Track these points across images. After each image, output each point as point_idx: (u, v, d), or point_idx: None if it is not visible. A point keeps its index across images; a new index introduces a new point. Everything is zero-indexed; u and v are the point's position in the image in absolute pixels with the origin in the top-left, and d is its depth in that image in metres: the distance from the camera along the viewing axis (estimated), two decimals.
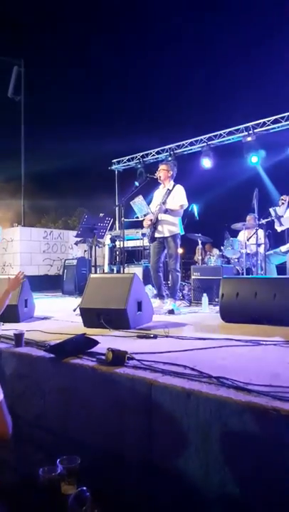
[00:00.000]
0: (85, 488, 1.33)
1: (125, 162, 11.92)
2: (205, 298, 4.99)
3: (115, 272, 7.42)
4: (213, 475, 1.57)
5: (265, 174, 10.43)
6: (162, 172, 5.04)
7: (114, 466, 1.87)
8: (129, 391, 1.88)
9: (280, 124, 8.86)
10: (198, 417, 1.63)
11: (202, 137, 10.08)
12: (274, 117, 8.93)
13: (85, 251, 8.20)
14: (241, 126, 9.41)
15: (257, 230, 5.95)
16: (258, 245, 5.95)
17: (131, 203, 4.93)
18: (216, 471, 1.57)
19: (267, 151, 9.15)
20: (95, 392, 2.06)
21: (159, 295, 5.03)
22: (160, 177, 5.04)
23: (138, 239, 7.75)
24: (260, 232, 5.98)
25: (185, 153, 10.55)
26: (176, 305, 4.92)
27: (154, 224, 4.88)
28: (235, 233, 7.11)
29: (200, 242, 7.03)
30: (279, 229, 5.86)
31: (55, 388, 2.28)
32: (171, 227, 4.86)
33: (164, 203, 4.86)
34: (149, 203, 5.03)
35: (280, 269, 5.99)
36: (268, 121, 9.00)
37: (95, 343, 2.39)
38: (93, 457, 1.90)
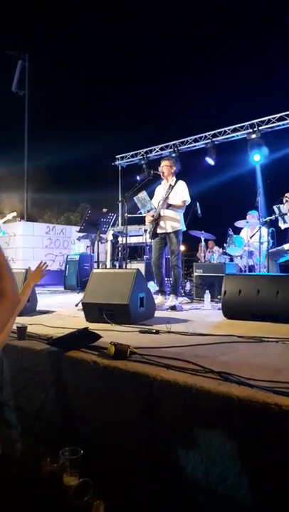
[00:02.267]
0: (87, 479, 1.34)
1: (129, 158, 11.90)
2: (207, 295, 4.99)
3: (117, 267, 7.42)
4: (213, 470, 1.58)
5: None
6: (165, 168, 5.03)
7: (115, 459, 1.88)
8: (132, 385, 1.89)
9: (285, 122, 8.82)
10: (200, 412, 1.63)
11: (206, 134, 10.05)
12: (279, 114, 8.89)
13: (88, 246, 8.20)
14: (246, 123, 9.37)
15: (260, 227, 5.94)
16: (261, 243, 5.94)
17: (134, 198, 4.93)
18: (216, 465, 1.57)
19: (271, 149, 9.13)
20: (97, 385, 2.06)
21: (161, 291, 5.04)
22: (163, 173, 5.04)
23: (140, 235, 7.75)
24: (264, 230, 5.97)
25: (189, 149, 10.52)
26: (178, 301, 4.92)
27: (156, 220, 4.88)
28: (238, 230, 7.10)
29: (202, 239, 7.03)
30: (283, 227, 5.85)
31: (57, 381, 2.29)
32: (174, 223, 4.86)
33: (166, 198, 4.86)
34: (151, 199, 5.02)
35: (283, 267, 5.98)
36: (273, 118, 8.97)
37: (98, 337, 2.39)
38: (95, 450, 1.91)
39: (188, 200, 4.95)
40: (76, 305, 4.40)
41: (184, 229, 5.04)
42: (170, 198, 4.88)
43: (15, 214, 8.17)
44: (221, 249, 7.22)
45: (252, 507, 1.48)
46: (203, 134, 10.11)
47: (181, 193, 4.90)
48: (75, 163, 20.77)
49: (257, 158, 9.01)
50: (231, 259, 6.92)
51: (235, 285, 3.69)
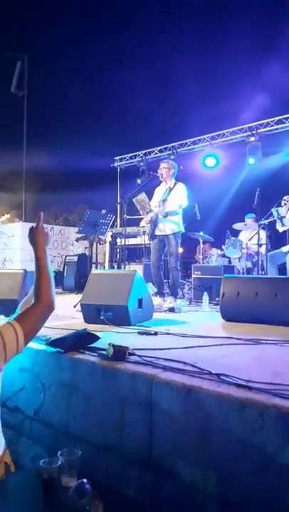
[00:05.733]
0: (85, 480, 1.34)
1: (127, 159, 11.90)
2: (205, 297, 4.99)
3: (116, 269, 7.42)
4: (211, 472, 1.58)
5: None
6: (164, 170, 5.05)
7: (114, 461, 1.88)
8: (130, 386, 1.89)
9: (283, 125, 8.85)
10: (199, 414, 1.63)
11: (205, 136, 10.07)
12: (278, 118, 8.92)
13: (86, 248, 8.20)
14: (245, 126, 9.40)
15: (259, 230, 5.96)
16: (260, 245, 5.96)
17: (134, 200, 4.94)
18: (214, 468, 1.57)
19: (270, 152, 9.17)
20: (95, 386, 2.06)
21: (160, 293, 5.04)
22: (162, 175, 5.05)
23: (139, 236, 7.75)
24: (262, 233, 5.99)
25: (188, 151, 10.54)
26: (177, 303, 4.93)
27: (155, 221, 4.89)
28: (236, 233, 7.12)
29: (201, 241, 7.04)
30: (281, 229, 5.87)
31: (55, 382, 2.29)
32: (172, 225, 4.87)
33: (164, 200, 4.88)
34: (150, 200, 5.04)
35: (281, 269, 6.00)
36: (272, 121, 9.00)
37: (96, 338, 2.39)
38: (93, 451, 1.91)
39: (185, 204, 4.96)
40: (74, 306, 4.39)
41: (183, 231, 5.05)
42: (168, 200, 4.89)
43: (8, 216, 8.19)
44: (219, 252, 7.23)
45: (249, 510, 1.49)
46: (202, 137, 10.13)
47: (179, 196, 4.91)
48: (74, 164, 20.73)
49: (251, 161, 9.09)
50: (230, 262, 6.93)
51: (234, 287, 3.70)
